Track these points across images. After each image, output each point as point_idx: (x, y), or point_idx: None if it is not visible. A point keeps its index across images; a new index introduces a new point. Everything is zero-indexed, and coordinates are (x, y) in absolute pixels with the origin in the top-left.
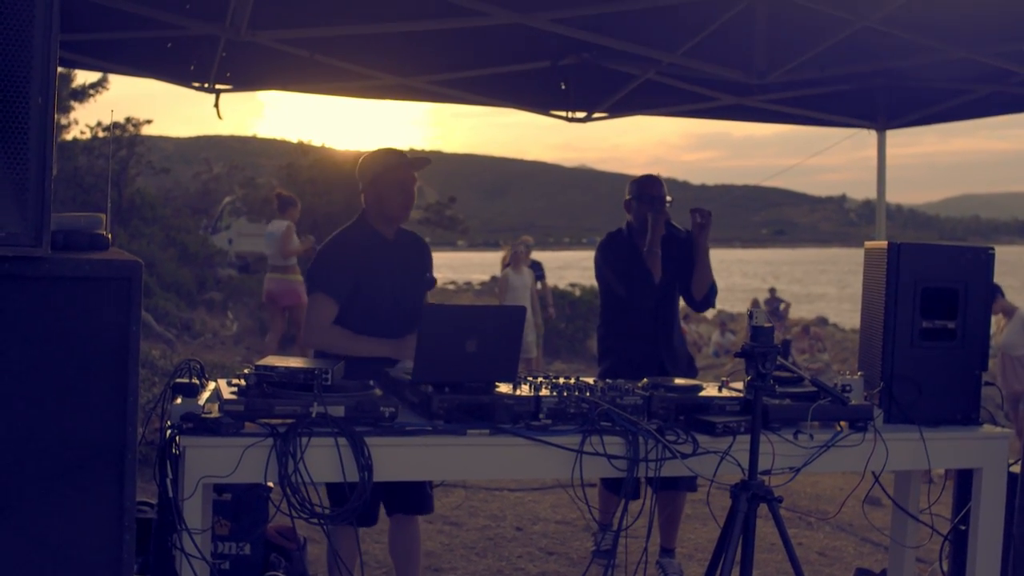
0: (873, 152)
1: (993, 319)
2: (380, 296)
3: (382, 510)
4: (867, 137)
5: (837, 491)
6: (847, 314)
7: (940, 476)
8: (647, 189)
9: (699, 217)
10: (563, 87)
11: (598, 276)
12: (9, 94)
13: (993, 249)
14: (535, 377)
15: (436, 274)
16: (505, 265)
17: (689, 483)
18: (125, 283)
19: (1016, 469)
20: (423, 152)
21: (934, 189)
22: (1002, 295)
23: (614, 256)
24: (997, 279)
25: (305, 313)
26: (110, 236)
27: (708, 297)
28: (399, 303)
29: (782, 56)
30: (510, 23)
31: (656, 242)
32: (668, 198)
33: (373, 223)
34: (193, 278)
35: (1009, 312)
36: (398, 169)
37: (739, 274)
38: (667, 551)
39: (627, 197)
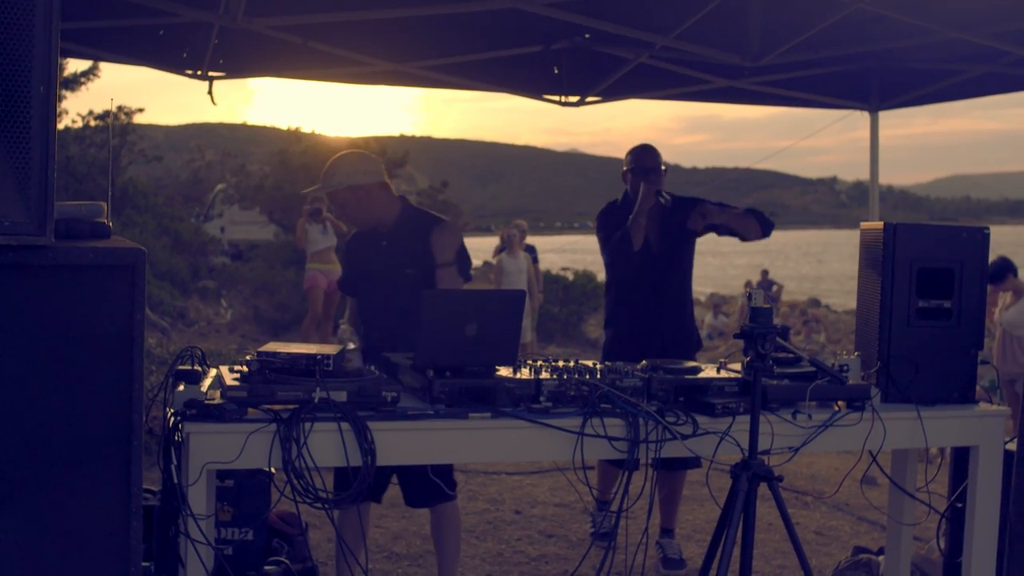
0: (864, 133)
1: (1000, 296)
2: (369, 290)
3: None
4: (858, 119)
5: (833, 471)
6: (839, 295)
7: (935, 455)
8: (641, 160)
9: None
10: (556, 71)
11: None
12: (11, 83)
13: (988, 229)
14: (535, 360)
15: None
16: (499, 250)
17: (692, 460)
18: (129, 271)
19: (1012, 447)
20: (413, 137)
21: (925, 170)
22: (1015, 275)
23: (605, 222)
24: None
25: None
26: (111, 224)
27: (763, 227)
28: (386, 295)
29: (776, 38)
30: (503, 8)
31: (642, 212)
32: (663, 167)
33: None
34: (186, 266)
35: (1020, 292)
36: (330, 199)
37: (731, 256)
38: (667, 531)
39: (624, 168)
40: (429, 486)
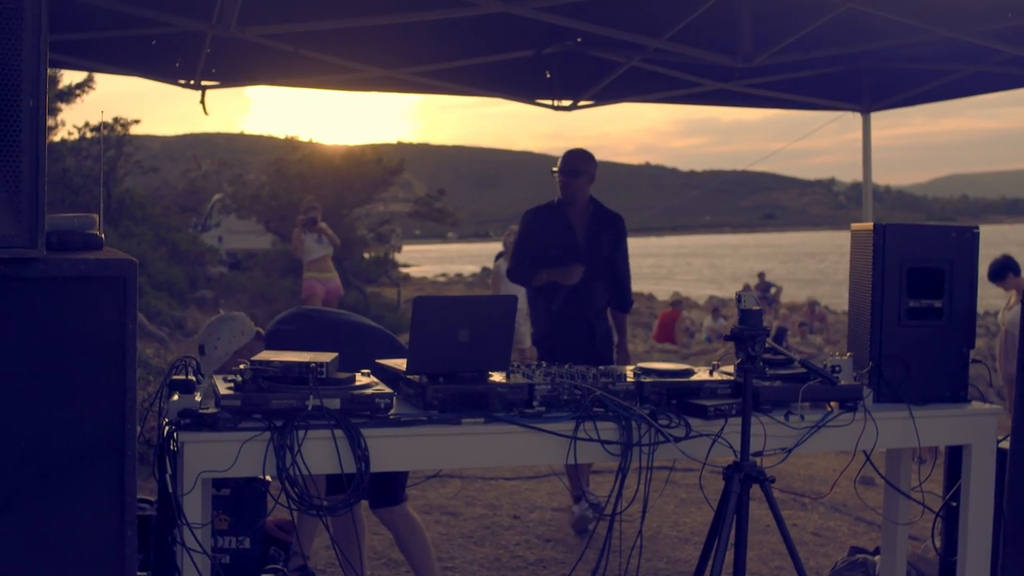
0: (860, 134)
1: (1005, 294)
2: None
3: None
4: (854, 120)
5: (831, 472)
6: (838, 296)
7: (927, 456)
8: (566, 163)
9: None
10: (548, 76)
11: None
12: (0, 97)
13: (977, 228)
14: (528, 365)
15: (426, 266)
16: (499, 255)
17: None
18: (120, 282)
19: (1006, 445)
20: (411, 144)
21: (922, 170)
22: (1016, 274)
23: (533, 225)
24: (986, 258)
25: None
26: (103, 236)
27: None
28: None
29: (767, 40)
30: (495, 12)
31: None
32: (588, 173)
33: None
34: (184, 276)
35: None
36: None
37: (730, 259)
38: (577, 498)
39: (553, 170)
40: (382, 486)
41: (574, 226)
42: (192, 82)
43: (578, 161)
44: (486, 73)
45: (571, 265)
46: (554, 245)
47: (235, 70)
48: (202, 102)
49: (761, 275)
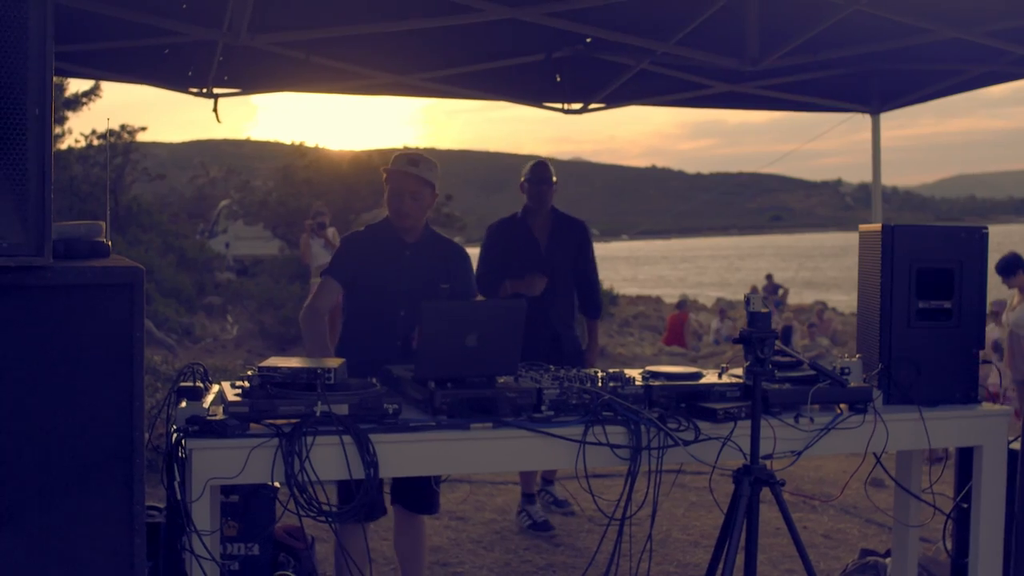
0: (868, 135)
1: (1009, 293)
2: (382, 294)
3: (387, 500)
4: (861, 120)
5: (841, 474)
6: (846, 297)
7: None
8: (534, 173)
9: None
10: (558, 79)
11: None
12: (6, 106)
13: (986, 229)
14: (536, 369)
15: None
16: None
17: None
18: (127, 289)
19: (1016, 446)
20: (417, 149)
21: (929, 170)
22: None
23: (497, 238)
24: (994, 258)
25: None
26: (110, 244)
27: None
28: (403, 305)
29: (774, 42)
30: (504, 18)
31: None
32: (554, 179)
33: (394, 224)
34: (192, 283)
35: None
36: (393, 176)
37: (737, 261)
38: (528, 496)
39: (521, 179)
40: (425, 492)
41: (537, 237)
42: (205, 90)
43: (547, 170)
44: (497, 78)
45: (533, 277)
46: (518, 256)
47: (247, 78)
48: (215, 110)
49: (769, 277)
